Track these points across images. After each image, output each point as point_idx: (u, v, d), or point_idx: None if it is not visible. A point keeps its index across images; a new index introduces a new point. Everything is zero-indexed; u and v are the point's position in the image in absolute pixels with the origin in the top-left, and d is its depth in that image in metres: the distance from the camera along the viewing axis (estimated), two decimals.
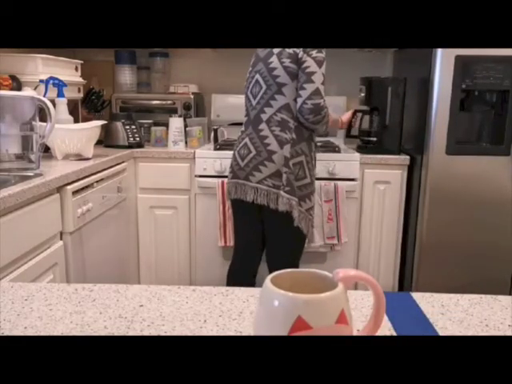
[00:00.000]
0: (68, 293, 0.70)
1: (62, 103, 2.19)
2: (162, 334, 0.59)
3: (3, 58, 2.08)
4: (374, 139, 2.45)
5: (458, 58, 2.13)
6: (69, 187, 1.67)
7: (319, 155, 2.30)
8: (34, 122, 1.76)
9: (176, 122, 2.48)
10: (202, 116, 2.84)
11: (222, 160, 2.35)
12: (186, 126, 2.57)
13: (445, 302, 0.69)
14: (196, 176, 2.40)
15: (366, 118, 2.46)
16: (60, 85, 2.17)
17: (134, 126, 2.50)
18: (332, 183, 2.31)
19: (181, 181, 2.44)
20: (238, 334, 0.59)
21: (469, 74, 2.15)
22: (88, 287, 0.72)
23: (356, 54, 2.91)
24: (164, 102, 2.73)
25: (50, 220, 1.57)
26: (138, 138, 2.48)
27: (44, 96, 2.02)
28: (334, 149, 2.38)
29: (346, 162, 2.34)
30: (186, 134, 2.55)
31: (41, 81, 2.09)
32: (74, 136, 1.97)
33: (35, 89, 2.06)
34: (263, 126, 1.86)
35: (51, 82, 2.12)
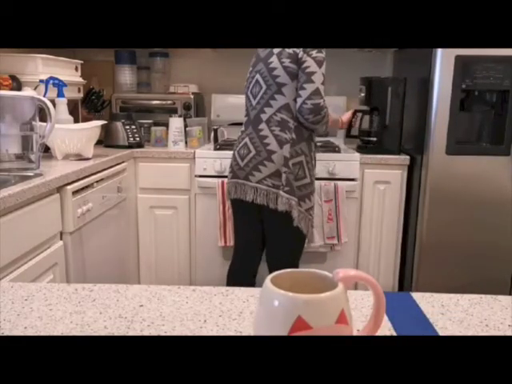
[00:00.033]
0: (68, 293, 0.70)
1: (62, 103, 2.19)
2: (162, 333, 0.59)
3: (3, 58, 2.08)
4: (374, 139, 2.45)
5: (457, 58, 2.13)
6: (69, 187, 1.67)
7: (319, 155, 2.30)
8: (34, 122, 1.76)
9: (176, 122, 2.48)
10: (202, 116, 2.84)
11: (222, 160, 2.35)
12: (185, 126, 2.57)
13: (445, 302, 0.69)
14: (196, 176, 2.40)
15: (366, 117, 2.46)
16: (60, 85, 2.17)
17: (133, 126, 2.50)
18: (332, 183, 2.31)
19: (181, 181, 2.44)
20: (238, 334, 0.59)
21: (469, 74, 2.15)
22: (88, 287, 0.72)
23: (356, 54, 2.91)
24: (164, 102, 2.73)
25: (50, 220, 1.57)
26: (138, 138, 2.48)
27: (44, 96, 2.02)
28: (334, 149, 2.38)
29: (346, 162, 2.34)
30: (186, 133, 2.55)
31: (41, 81, 2.09)
32: (74, 136, 1.97)
33: (35, 89, 2.06)
34: (263, 125, 1.86)
35: (51, 82, 2.12)
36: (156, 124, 2.66)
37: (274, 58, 1.84)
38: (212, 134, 2.63)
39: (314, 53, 1.78)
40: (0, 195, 1.28)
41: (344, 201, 2.33)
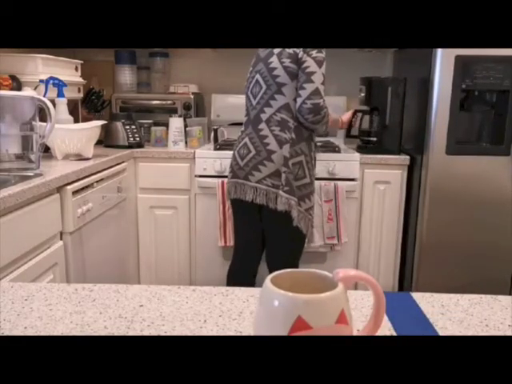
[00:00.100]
0: (68, 293, 0.70)
1: (62, 103, 2.19)
2: (162, 333, 0.59)
3: (3, 58, 2.08)
4: (374, 139, 2.45)
5: (457, 58, 2.13)
6: (69, 187, 1.67)
7: (319, 155, 2.30)
8: (34, 122, 1.76)
9: (176, 122, 2.48)
10: (202, 116, 2.84)
11: (222, 160, 2.35)
12: (186, 126, 2.57)
13: (445, 302, 0.69)
14: (196, 176, 2.40)
15: (366, 117, 2.46)
16: (60, 85, 2.17)
17: (134, 126, 2.50)
18: (332, 183, 2.31)
19: (181, 181, 2.44)
20: (238, 334, 0.59)
21: (469, 74, 2.15)
22: (88, 287, 0.72)
23: (356, 54, 2.91)
24: (164, 102, 2.73)
25: (50, 220, 1.57)
26: (138, 138, 2.48)
27: (44, 96, 2.02)
28: (334, 149, 2.38)
29: (346, 162, 2.34)
30: (186, 133, 2.55)
31: (41, 81, 2.09)
32: (74, 136, 1.97)
33: (35, 89, 2.06)
34: (263, 125, 1.86)
35: (51, 82, 2.12)
36: (156, 124, 2.66)
37: (274, 58, 1.84)
38: (212, 134, 2.63)
39: (314, 53, 1.78)
40: (0, 195, 1.28)
41: (344, 201, 2.33)
